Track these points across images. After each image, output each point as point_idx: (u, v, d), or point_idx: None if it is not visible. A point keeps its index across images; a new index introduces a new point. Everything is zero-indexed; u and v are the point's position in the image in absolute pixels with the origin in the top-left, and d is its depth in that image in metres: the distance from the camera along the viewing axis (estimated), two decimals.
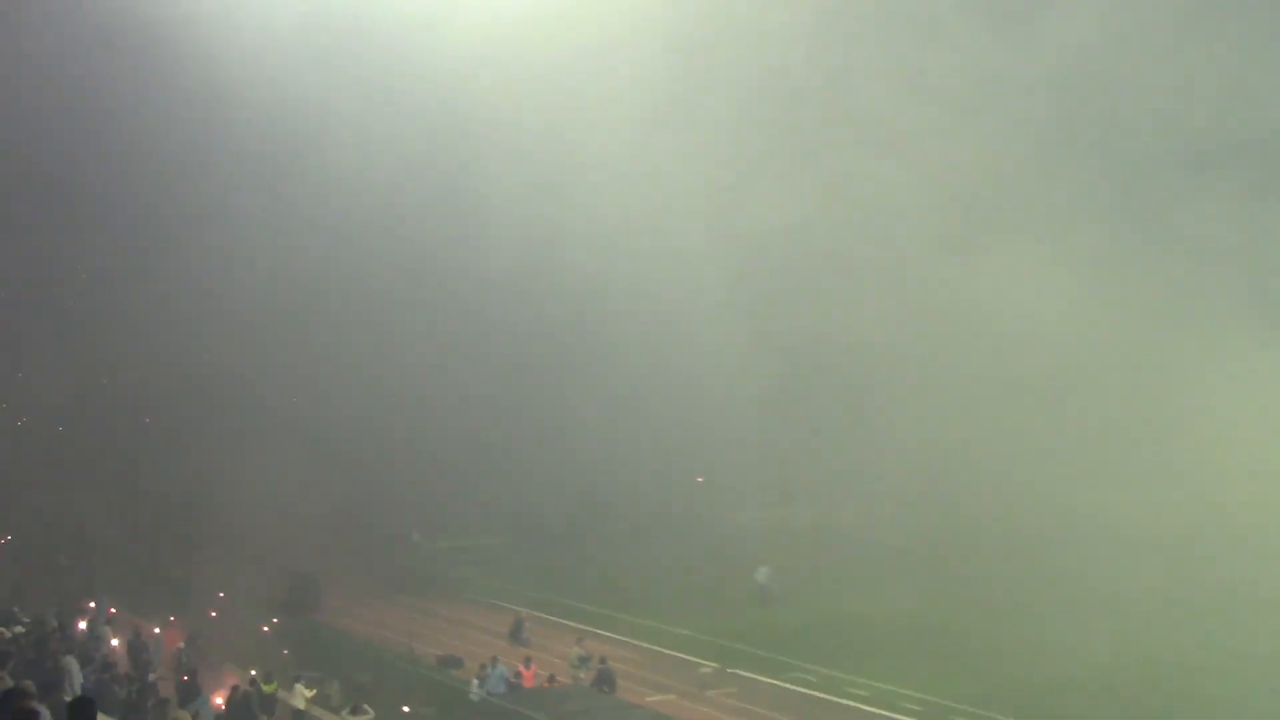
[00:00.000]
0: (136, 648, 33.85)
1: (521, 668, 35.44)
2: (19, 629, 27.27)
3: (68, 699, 14.09)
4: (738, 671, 39.14)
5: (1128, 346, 68.45)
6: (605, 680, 35.22)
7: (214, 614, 43.20)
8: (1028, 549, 61.19)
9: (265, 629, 42.22)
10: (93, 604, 38.47)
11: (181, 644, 35.18)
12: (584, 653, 36.96)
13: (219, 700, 30.62)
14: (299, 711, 31.22)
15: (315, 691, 32.06)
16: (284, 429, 56.33)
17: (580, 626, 45.06)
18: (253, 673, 31.74)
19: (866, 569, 56.18)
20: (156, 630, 38.03)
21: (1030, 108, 54.75)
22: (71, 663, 24.26)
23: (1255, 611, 46.15)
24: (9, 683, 16.55)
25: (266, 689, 30.77)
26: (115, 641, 34.33)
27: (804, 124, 51.98)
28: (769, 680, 38.24)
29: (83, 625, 34.64)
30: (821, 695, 36.71)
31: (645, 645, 42.40)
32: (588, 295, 60.44)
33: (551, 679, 35.16)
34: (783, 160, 52.50)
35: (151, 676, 28.35)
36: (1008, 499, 72.18)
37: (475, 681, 34.05)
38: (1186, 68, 52.83)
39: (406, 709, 32.91)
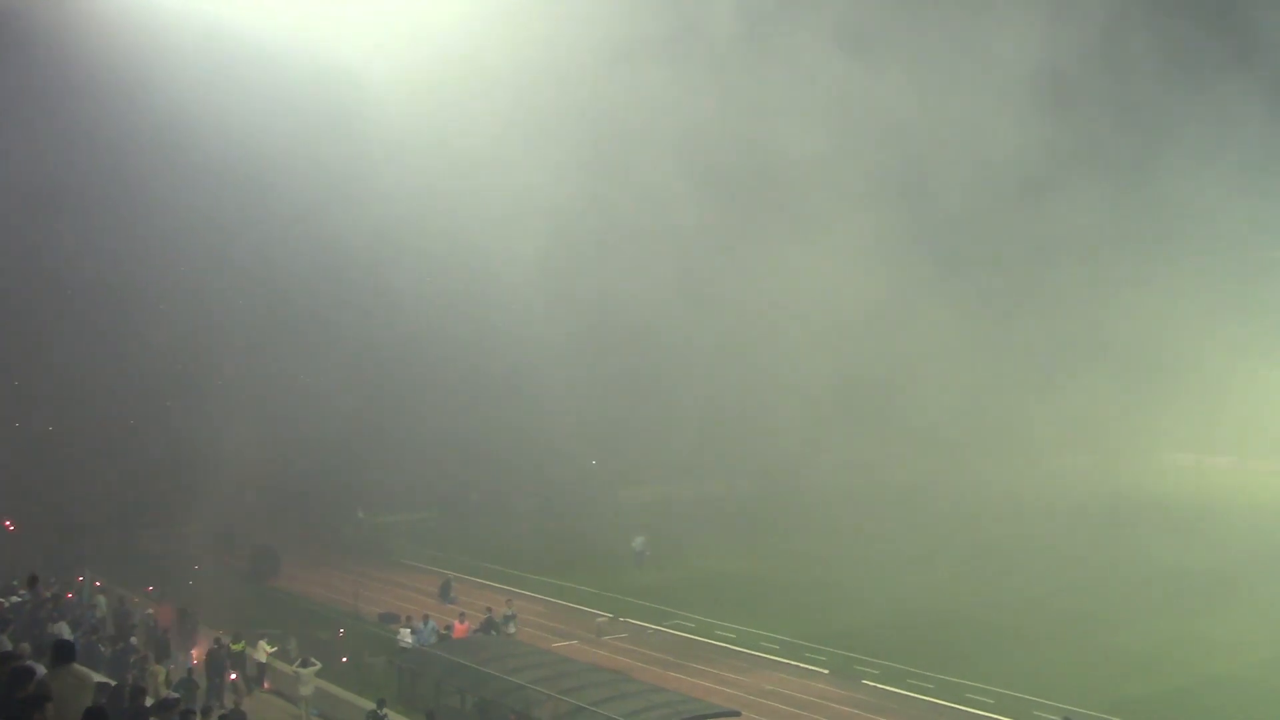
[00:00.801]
0: (120, 614, 33.76)
1: (456, 622, 35.77)
2: (16, 599, 27.13)
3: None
4: (628, 620, 40.08)
5: (920, 329, 70.93)
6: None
7: (191, 583, 43.02)
8: (852, 514, 63.20)
9: (235, 594, 42.18)
10: (81, 578, 38.13)
11: (175, 616, 34.88)
12: (509, 611, 37.05)
13: (195, 658, 30.90)
14: (261, 664, 31.48)
15: (276, 648, 32.30)
16: (246, 418, 55.72)
17: (499, 586, 45.74)
18: (219, 634, 31.84)
19: (730, 534, 57.68)
20: (137, 600, 38.01)
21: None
22: (63, 627, 24.31)
23: (1027, 562, 48.99)
24: (8, 645, 16.76)
25: (235, 647, 30.93)
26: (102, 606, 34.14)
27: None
28: (654, 627, 39.28)
29: (71, 595, 34.40)
30: (696, 638, 37.94)
31: (552, 600, 43.10)
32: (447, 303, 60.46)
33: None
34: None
35: (133, 638, 28.38)
36: (829, 471, 74.53)
37: (406, 630, 34.37)
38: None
39: (345, 659, 33.32)
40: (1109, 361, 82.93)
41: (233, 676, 29.46)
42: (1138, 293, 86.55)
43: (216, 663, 29.50)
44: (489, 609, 37.21)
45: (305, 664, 29.57)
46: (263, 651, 31.63)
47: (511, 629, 35.81)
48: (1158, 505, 68.17)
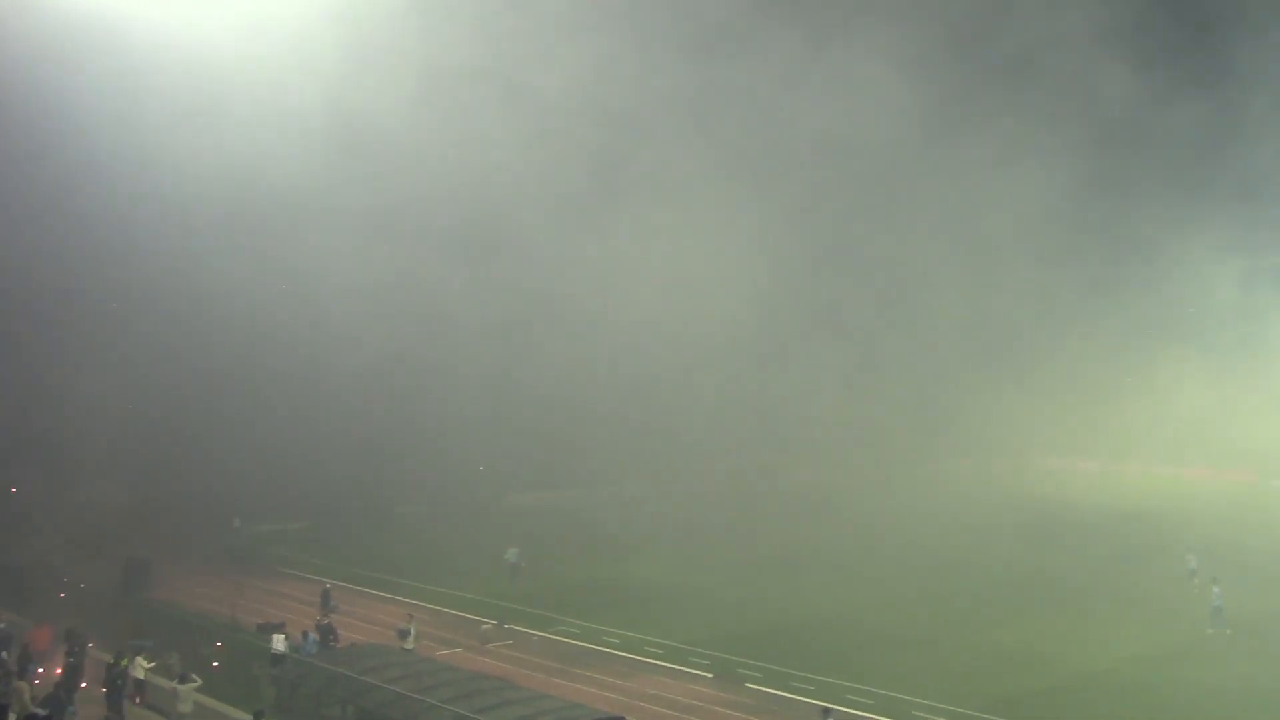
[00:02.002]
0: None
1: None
2: None
3: None
4: (513, 627, 39.99)
5: (802, 339, 72.55)
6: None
7: (62, 595, 41.68)
8: (740, 519, 64.14)
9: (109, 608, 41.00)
10: None
11: (63, 639, 33.45)
12: (405, 626, 36.16)
13: (58, 670, 29.98)
14: (139, 681, 30.59)
15: (155, 663, 31.45)
16: (117, 426, 54.18)
17: (380, 594, 45.31)
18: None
19: (614, 540, 58.10)
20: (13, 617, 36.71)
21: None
22: None
23: (907, 565, 50.08)
24: None
25: (120, 664, 30.00)
26: None
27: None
28: (539, 633, 39.26)
29: None
30: (582, 644, 37.99)
31: (435, 607, 42.74)
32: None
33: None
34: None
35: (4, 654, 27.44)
36: (719, 477, 75.43)
37: (280, 638, 33.76)
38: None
39: (224, 672, 32.61)
40: (986, 370, 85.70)
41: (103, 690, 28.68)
42: (1015, 305, 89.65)
43: (70, 676, 28.70)
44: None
45: (184, 680, 28.91)
46: (140, 667, 30.78)
47: (409, 644, 34.88)
48: (1030, 508, 70.48)
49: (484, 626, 39.59)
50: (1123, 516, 67.06)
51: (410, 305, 61.73)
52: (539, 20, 49.97)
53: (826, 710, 26.94)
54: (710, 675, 33.98)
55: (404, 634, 34.97)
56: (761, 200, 66.83)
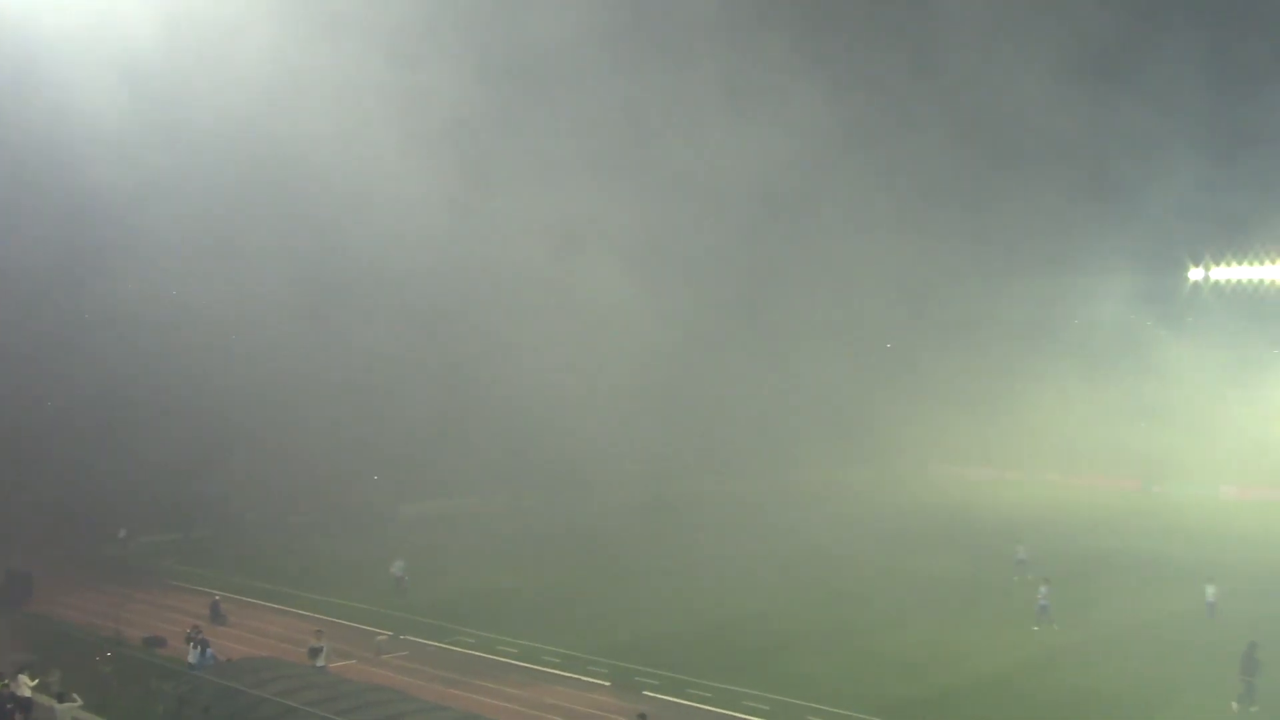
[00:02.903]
0: None
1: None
2: None
3: None
4: (409, 638, 39.68)
5: (709, 350, 73.37)
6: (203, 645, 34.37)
7: None
8: (640, 525, 64.52)
9: None
10: None
11: None
12: (316, 644, 35.28)
13: None
14: (25, 699, 29.68)
15: (38, 680, 30.55)
16: None
17: (274, 606, 44.62)
18: None
19: (512, 548, 58.13)
20: None
21: None
22: None
23: (806, 570, 50.77)
24: None
25: (2, 684, 29.07)
26: None
27: None
28: (435, 644, 39.01)
29: None
30: (479, 654, 37.90)
31: (328, 619, 42.12)
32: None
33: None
34: None
35: None
36: (618, 484, 75.73)
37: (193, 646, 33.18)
38: None
39: (109, 687, 31.82)
40: (889, 382, 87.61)
41: None
42: (916, 320, 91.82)
43: None
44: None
45: (64, 699, 28.17)
46: (24, 685, 29.90)
47: (321, 661, 34.04)
48: (925, 514, 71.95)
49: (379, 638, 39.19)
50: (1009, 520, 68.84)
51: (301, 310, 60.89)
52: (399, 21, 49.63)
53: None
54: (608, 683, 34.11)
55: (316, 652, 33.78)
56: (666, 207, 67.52)
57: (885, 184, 77.53)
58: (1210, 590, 42.34)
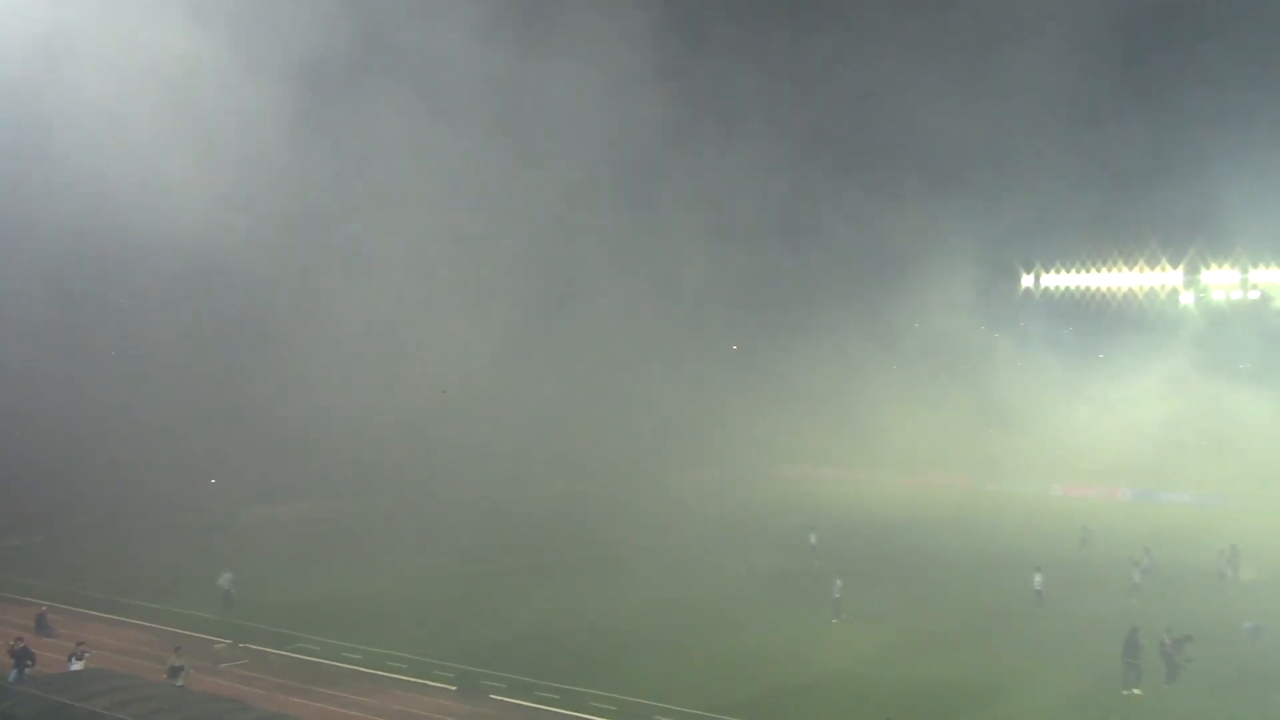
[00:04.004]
0: None
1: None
2: None
3: None
4: (248, 645, 38.78)
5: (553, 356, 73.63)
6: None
7: None
8: (492, 532, 64.34)
9: None
10: None
11: None
12: (177, 662, 33.85)
13: None
14: None
15: None
16: None
17: (106, 616, 43.10)
18: None
19: (360, 554, 57.18)
20: None
21: None
22: None
23: (655, 571, 51.31)
24: None
25: None
26: None
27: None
28: (276, 651, 38.21)
29: None
30: (322, 661, 37.23)
31: (163, 628, 40.88)
32: None
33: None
34: None
35: None
36: (471, 487, 75.52)
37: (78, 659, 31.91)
38: None
39: None
40: (731, 387, 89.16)
41: None
42: (760, 327, 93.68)
43: None
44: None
45: None
46: None
47: (180, 681, 32.59)
48: (770, 514, 73.49)
49: (217, 646, 38.24)
50: (850, 517, 70.88)
51: (136, 312, 59.05)
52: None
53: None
54: (454, 688, 33.94)
55: (176, 671, 32.23)
56: (505, 209, 67.49)
57: (730, 188, 78.90)
58: (1038, 579, 45.53)
